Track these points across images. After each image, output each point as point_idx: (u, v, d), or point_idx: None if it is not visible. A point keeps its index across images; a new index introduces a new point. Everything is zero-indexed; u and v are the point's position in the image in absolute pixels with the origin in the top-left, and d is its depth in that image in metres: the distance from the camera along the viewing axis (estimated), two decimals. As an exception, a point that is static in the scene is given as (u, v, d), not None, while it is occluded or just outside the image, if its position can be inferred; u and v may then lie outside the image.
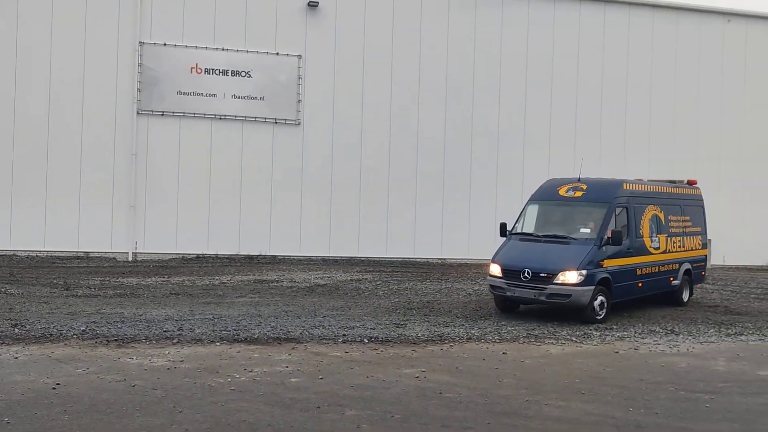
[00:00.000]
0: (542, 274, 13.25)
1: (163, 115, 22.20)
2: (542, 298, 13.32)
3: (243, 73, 22.69)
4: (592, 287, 13.27)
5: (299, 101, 23.11)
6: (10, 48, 21.31)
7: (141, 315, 12.69)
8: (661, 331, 13.00)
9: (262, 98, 22.88)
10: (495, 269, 14.06)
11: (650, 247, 15.06)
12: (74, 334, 10.89)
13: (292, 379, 8.89)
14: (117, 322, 11.93)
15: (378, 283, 18.46)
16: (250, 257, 22.54)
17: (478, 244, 22.91)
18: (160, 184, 22.18)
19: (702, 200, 17.43)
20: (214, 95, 22.50)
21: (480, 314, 14.15)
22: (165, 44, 22.10)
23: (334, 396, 8.24)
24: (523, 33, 24.86)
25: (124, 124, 21.96)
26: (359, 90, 23.57)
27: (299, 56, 23.09)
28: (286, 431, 7.05)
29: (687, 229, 16.50)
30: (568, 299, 13.17)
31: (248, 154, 22.83)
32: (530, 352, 10.94)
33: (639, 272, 14.71)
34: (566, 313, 13.84)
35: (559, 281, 13.12)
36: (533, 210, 14.84)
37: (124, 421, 7.18)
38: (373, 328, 12.13)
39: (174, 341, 10.71)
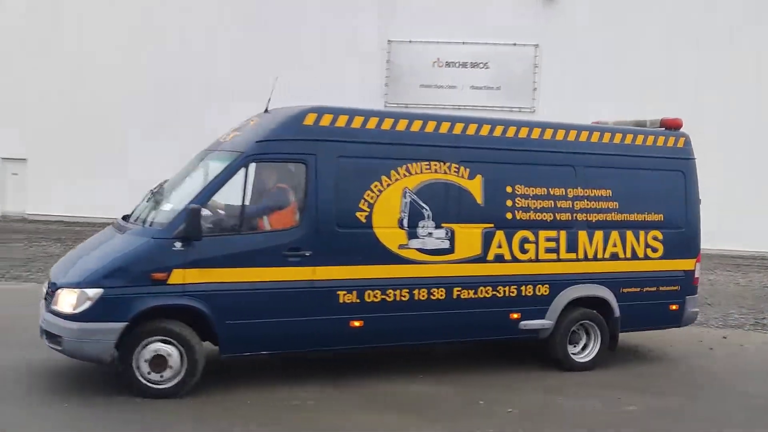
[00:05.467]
0: (50, 291, 7.35)
1: (407, 107, 24.11)
2: (44, 338, 7.22)
3: (481, 65, 23.84)
4: (118, 325, 6.76)
5: (534, 89, 23.69)
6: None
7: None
8: None
9: (498, 88, 23.84)
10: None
11: (398, 248, 7.61)
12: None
13: None
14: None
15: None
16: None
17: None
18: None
19: (687, 160, 9.04)
20: (454, 87, 23.91)
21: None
22: (410, 41, 23.98)
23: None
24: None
25: (373, 117, 24.21)
26: (595, 77, 23.43)
27: (536, 45, 23.64)
28: None
29: (603, 217, 8.54)
30: (60, 346, 6.95)
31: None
32: (752, 339, 10.76)
33: (342, 299, 7.41)
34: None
35: (56, 307, 7.03)
36: (187, 167, 8.43)
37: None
38: None
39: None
